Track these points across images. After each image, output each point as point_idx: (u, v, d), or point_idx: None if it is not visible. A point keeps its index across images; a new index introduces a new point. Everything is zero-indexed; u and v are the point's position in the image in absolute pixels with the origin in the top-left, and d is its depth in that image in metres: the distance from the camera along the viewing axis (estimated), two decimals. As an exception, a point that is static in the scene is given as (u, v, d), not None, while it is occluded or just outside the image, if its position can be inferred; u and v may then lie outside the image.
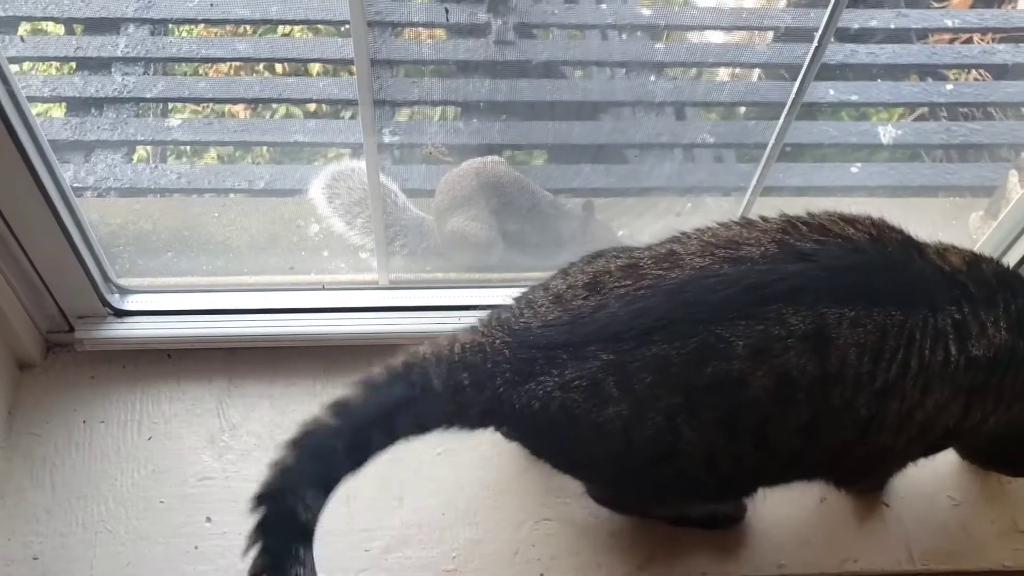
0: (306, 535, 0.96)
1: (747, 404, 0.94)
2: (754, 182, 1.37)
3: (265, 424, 1.34)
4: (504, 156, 1.99)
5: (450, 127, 2.09)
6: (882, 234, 1.00)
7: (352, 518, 1.26)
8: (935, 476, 1.31)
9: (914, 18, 2.18)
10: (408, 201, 1.67)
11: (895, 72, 2.17)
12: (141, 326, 1.37)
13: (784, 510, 1.28)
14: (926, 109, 2.22)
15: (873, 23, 2.16)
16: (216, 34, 2.19)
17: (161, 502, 1.26)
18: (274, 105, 2.17)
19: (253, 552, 0.94)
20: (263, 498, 0.95)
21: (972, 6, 2.28)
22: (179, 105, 2.13)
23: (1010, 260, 1.38)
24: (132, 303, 1.38)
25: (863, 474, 1.18)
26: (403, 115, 2.08)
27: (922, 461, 1.16)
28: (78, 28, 2.12)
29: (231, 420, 1.34)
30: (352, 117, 2.09)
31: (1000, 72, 2.20)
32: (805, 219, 1.00)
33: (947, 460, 1.31)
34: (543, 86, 2.10)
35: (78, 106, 1.99)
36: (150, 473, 1.28)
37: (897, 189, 2.01)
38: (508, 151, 2.08)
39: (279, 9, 2.08)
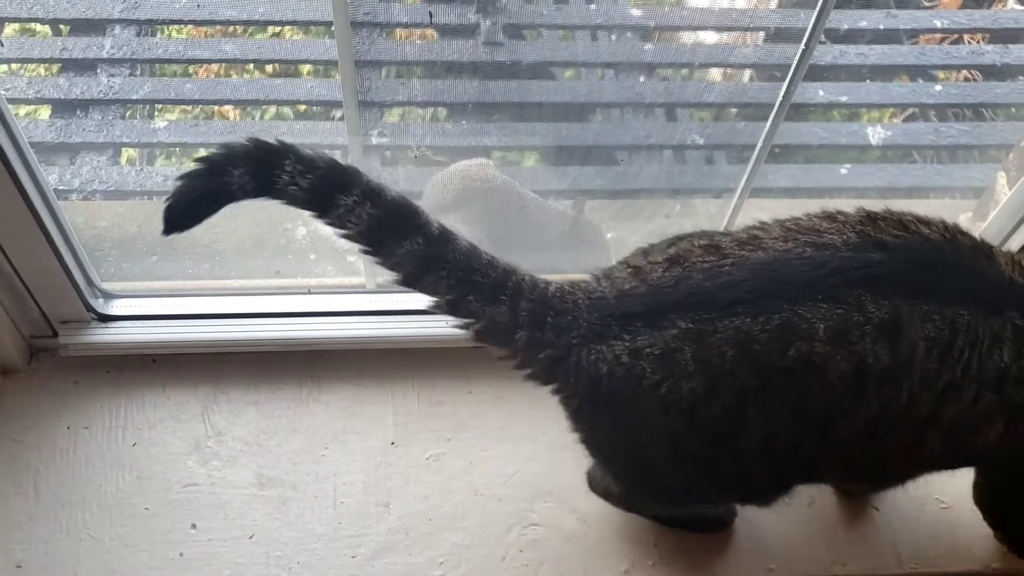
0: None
1: (822, 391, 0.94)
2: (743, 183, 1.36)
3: (251, 430, 1.33)
4: (494, 158, 1.98)
5: (439, 129, 2.08)
6: (955, 236, 1.01)
7: (338, 524, 1.25)
8: (923, 479, 1.30)
9: (903, 19, 2.18)
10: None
11: (884, 73, 2.17)
12: (125, 331, 1.37)
13: (772, 513, 1.26)
14: (915, 110, 2.22)
15: (863, 24, 2.16)
16: (205, 34, 2.17)
17: (146, 508, 1.25)
18: (264, 106, 2.16)
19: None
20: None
21: (962, 7, 2.28)
22: (167, 106, 2.12)
23: (998, 262, 1.38)
24: (116, 308, 1.37)
25: (901, 478, 1.17)
26: (393, 116, 2.07)
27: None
28: (64, 29, 2.11)
29: (217, 426, 1.33)
30: (342, 119, 2.08)
31: (989, 72, 2.20)
32: (883, 215, 1.01)
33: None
34: (532, 87, 2.09)
35: (63, 108, 1.97)
36: (135, 479, 1.28)
37: (886, 190, 2.02)
38: (498, 152, 2.07)
39: (265, 10, 2.07)
